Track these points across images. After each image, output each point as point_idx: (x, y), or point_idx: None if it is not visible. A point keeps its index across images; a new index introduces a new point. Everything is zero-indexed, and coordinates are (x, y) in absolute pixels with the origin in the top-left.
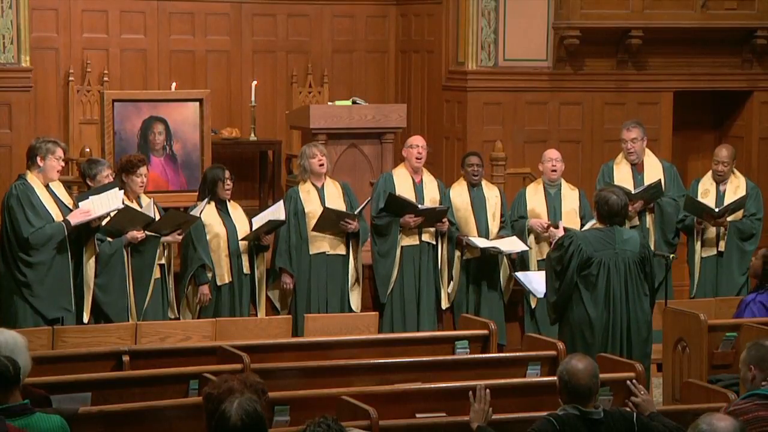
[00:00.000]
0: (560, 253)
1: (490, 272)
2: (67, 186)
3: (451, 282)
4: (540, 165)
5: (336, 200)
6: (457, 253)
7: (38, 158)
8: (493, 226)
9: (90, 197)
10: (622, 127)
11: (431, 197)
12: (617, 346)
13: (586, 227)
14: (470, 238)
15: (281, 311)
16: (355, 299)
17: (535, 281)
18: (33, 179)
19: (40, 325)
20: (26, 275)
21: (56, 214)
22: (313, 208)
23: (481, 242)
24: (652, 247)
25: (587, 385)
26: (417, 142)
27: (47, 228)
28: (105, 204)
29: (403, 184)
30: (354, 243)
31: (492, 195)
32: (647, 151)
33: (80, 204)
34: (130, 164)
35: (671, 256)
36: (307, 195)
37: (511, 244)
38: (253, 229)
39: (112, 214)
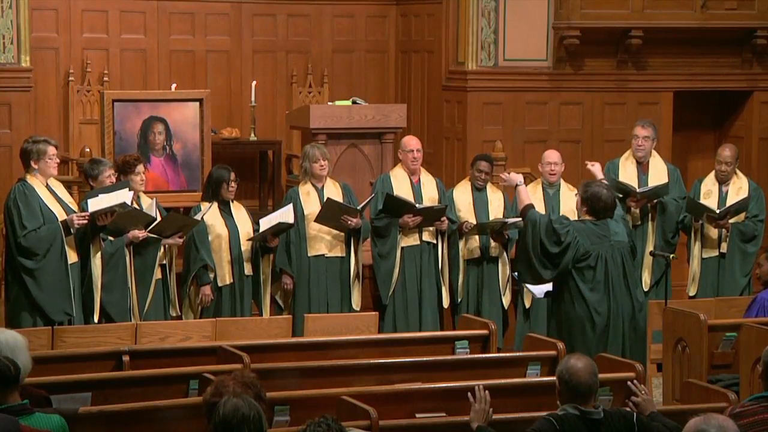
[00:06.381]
0: (556, 238)
1: (490, 275)
2: (67, 186)
3: (455, 280)
4: (539, 166)
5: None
6: (461, 245)
7: (32, 162)
8: None
9: (99, 195)
10: (636, 123)
11: (430, 197)
12: (618, 338)
13: None
14: (469, 221)
15: (284, 311)
16: (355, 297)
17: None
18: (33, 180)
19: None
20: (26, 282)
21: (59, 213)
22: (312, 210)
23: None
24: (651, 247)
25: (588, 383)
26: (411, 146)
27: (42, 230)
28: (113, 203)
29: (401, 184)
30: (355, 240)
31: (495, 198)
32: (654, 152)
33: (89, 201)
34: (127, 165)
35: (671, 256)
36: (307, 196)
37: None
38: (261, 230)
39: (115, 209)
